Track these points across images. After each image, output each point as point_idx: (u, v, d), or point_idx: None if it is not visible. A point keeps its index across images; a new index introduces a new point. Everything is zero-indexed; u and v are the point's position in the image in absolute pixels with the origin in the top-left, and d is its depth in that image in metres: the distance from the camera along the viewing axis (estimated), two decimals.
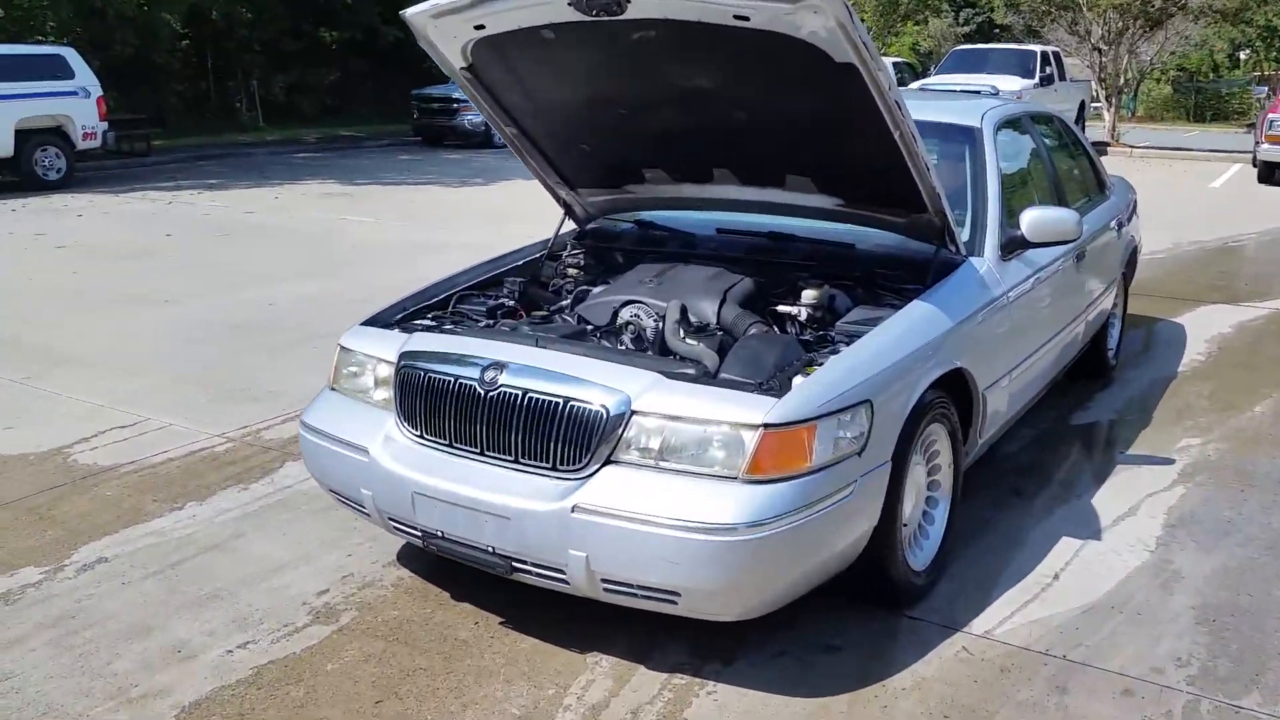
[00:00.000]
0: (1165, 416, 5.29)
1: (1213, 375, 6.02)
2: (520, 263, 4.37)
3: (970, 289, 3.74)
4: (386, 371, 3.32)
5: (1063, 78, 21.04)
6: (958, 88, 16.48)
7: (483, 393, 3.02)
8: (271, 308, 7.49)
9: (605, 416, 2.86)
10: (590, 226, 4.63)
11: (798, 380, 2.98)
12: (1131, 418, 5.29)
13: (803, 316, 3.64)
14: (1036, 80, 19.45)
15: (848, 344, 3.32)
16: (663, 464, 2.82)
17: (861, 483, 2.95)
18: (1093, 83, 22.66)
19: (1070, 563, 3.72)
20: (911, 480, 3.32)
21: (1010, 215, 4.14)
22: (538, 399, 2.95)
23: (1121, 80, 22.36)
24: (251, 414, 5.19)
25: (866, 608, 3.34)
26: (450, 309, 3.87)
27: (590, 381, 2.93)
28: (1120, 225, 5.84)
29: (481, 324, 3.70)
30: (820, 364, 3.13)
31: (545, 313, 3.87)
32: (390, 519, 3.20)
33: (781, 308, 3.70)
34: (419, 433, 3.17)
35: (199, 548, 3.81)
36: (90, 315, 7.33)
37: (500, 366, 3.05)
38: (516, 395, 2.97)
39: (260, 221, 11.67)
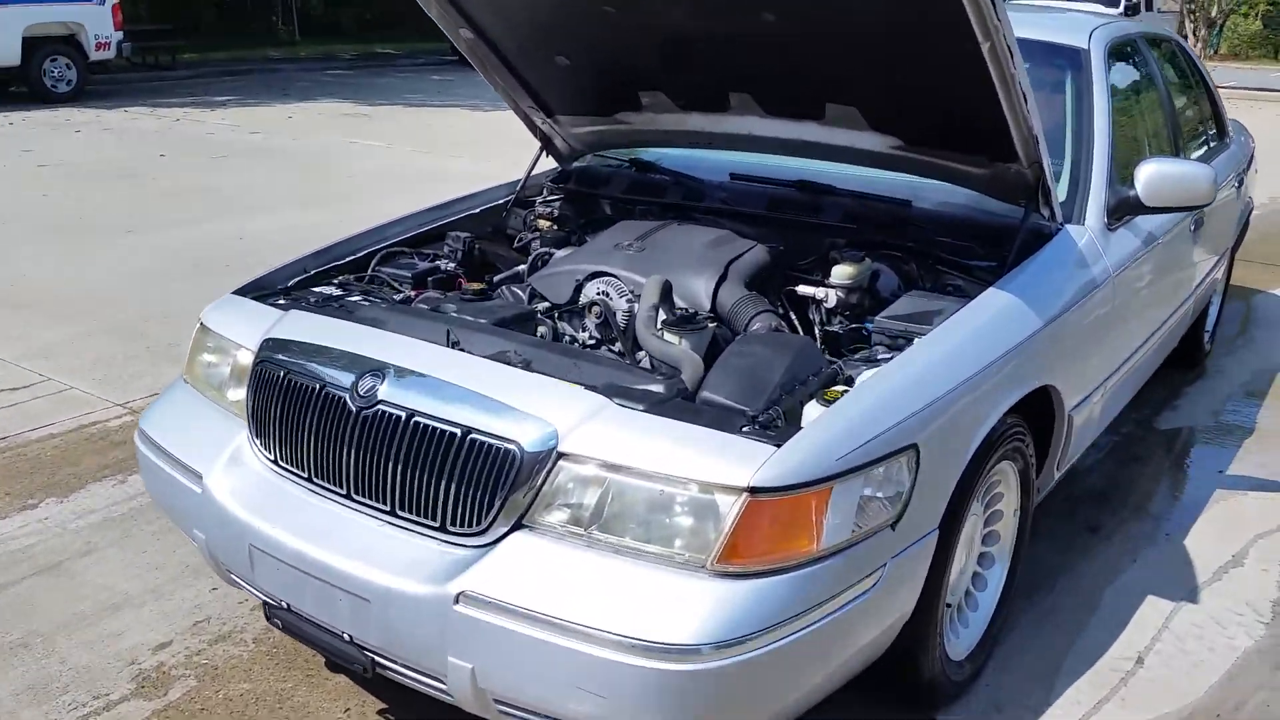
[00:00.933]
0: (1273, 423, 4.25)
1: None
2: (477, 210, 3.41)
3: (1066, 271, 2.72)
4: (247, 362, 2.41)
5: (1150, 7, 19.27)
6: None
7: (354, 409, 2.10)
8: (241, 242, 6.62)
9: (518, 458, 1.93)
10: (575, 165, 3.66)
11: (810, 411, 2.02)
12: (1231, 422, 4.25)
13: (831, 302, 2.65)
14: (1122, 8, 17.80)
15: (890, 348, 2.34)
16: (598, 536, 1.89)
17: (893, 566, 2.00)
18: (1181, 15, 20.87)
19: (1158, 638, 2.77)
20: (964, 540, 2.37)
21: (1121, 169, 3.10)
22: (426, 425, 2.02)
23: (1214, 11, 20.53)
24: (169, 378, 4.30)
25: (883, 705, 2.42)
26: (368, 272, 2.93)
27: (502, 404, 1.99)
28: (1240, 182, 4.73)
29: (397, 298, 2.76)
30: (846, 384, 2.17)
31: (487, 284, 2.92)
32: (229, 572, 2.32)
33: (803, 289, 2.71)
34: (273, 457, 2.26)
35: (33, 567, 2.97)
36: (41, 246, 6.51)
37: (381, 372, 2.12)
38: (399, 417, 2.05)
39: (265, 143, 10.77)
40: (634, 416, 1.94)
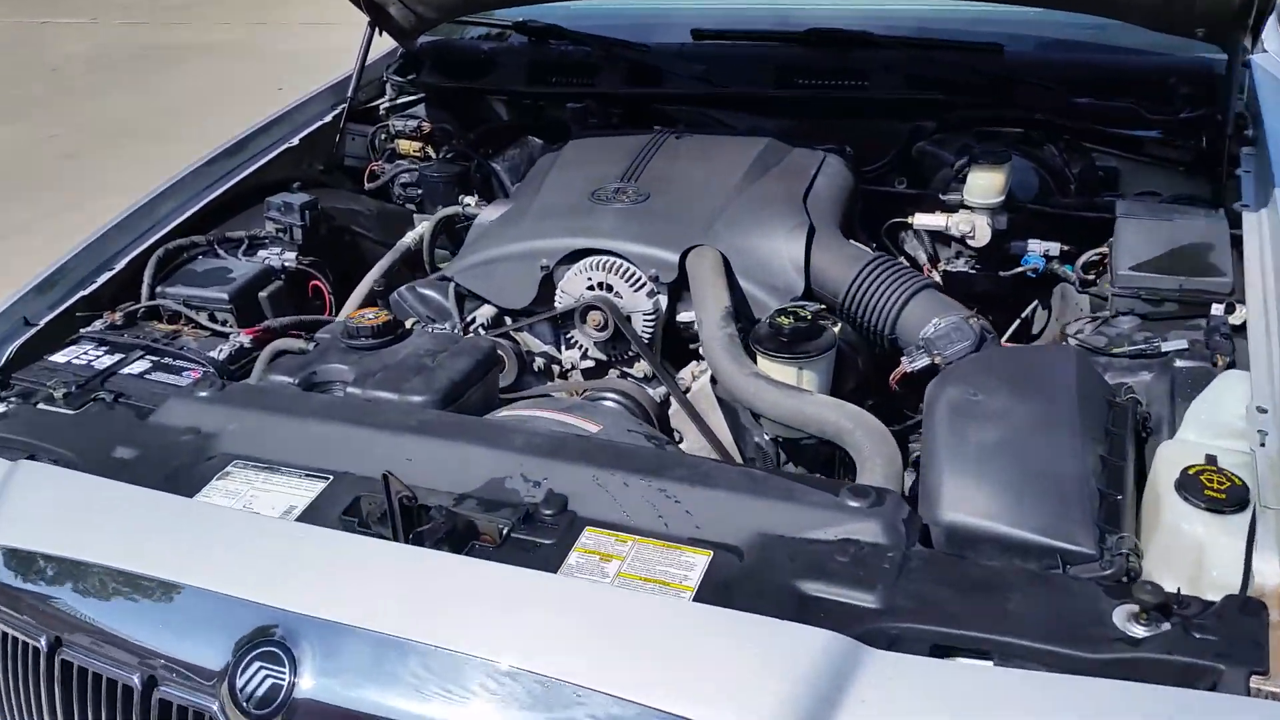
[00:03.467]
0: None
1: None
2: (296, 141, 2.09)
3: None
4: None
5: None
6: None
7: None
8: None
9: None
10: (424, 43, 2.37)
11: (1198, 526, 0.99)
12: None
13: (983, 236, 1.60)
14: None
15: (1151, 317, 1.36)
16: None
17: None
18: None
19: None
20: None
21: None
22: None
23: None
24: None
25: None
26: (143, 302, 1.63)
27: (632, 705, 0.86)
28: None
29: (221, 354, 1.49)
30: (1144, 424, 1.18)
31: (383, 290, 1.68)
32: None
33: (924, 219, 1.63)
34: None
35: None
36: None
37: (282, 643, 0.92)
38: None
39: None
40: (927, 672, 0.86)
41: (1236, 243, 1.43)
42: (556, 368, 1.62)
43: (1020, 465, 1.07)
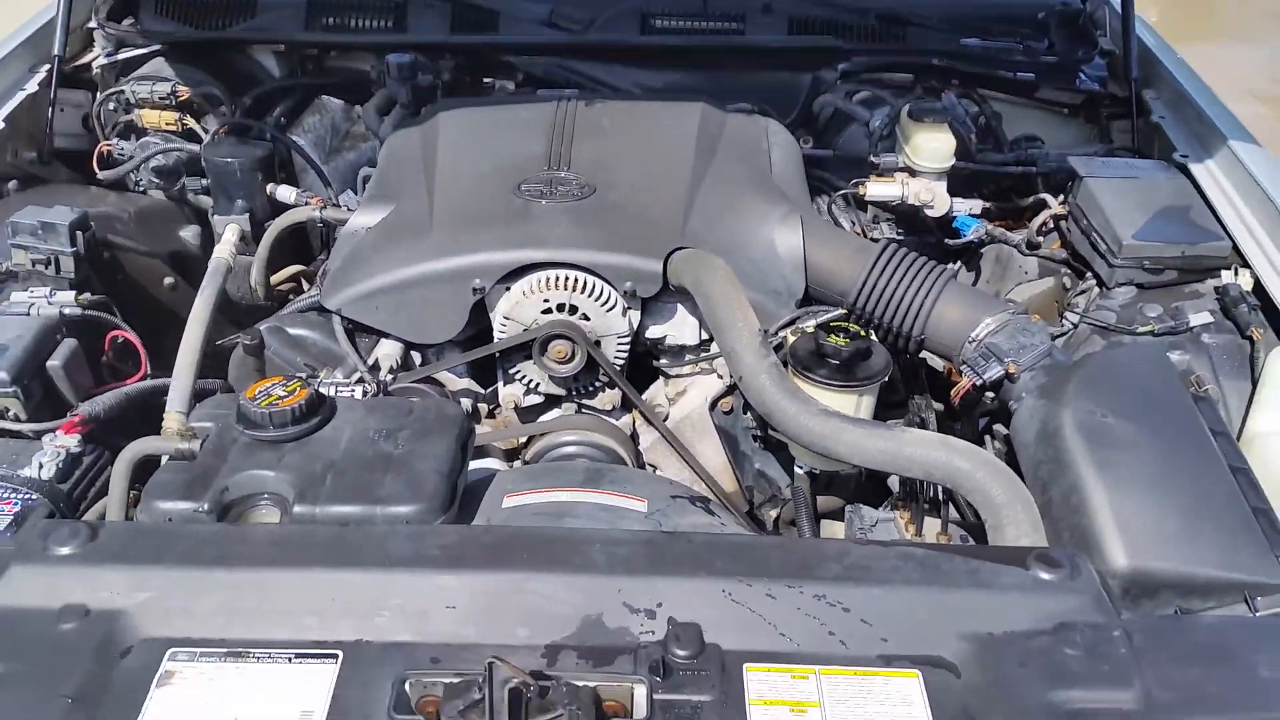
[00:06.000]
0: None
1: None
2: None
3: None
4: None
5: None
6: None
7: None
8: None
9: None
10: None
11: None
12: None
13: (941, 206, 1.44)
14: None
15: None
16: None
17: None
18: None
19: None
20: None
21: None
22: None
23: None
24: None
25: None
26: None
27: None
28: None
29: (56, 522, 1.00)
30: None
31: (254, 342, 1.21)
32: None
33: (876, 189, 1.44)
34: None
35: None
36: None
37: None
38: None
39: None
40: None
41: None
42: (484, 408, 1.28)
43: (1178, 496, 0.96)
